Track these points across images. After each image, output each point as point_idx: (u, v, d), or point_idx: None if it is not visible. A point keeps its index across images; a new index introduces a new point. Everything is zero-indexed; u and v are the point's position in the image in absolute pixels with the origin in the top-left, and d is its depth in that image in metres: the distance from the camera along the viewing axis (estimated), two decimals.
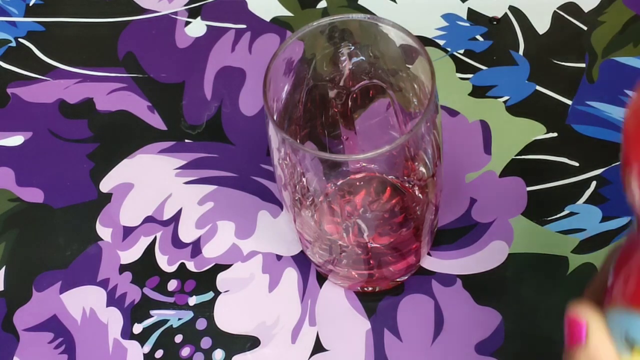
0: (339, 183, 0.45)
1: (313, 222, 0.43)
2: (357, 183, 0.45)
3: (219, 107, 0.53)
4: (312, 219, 0.43)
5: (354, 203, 0.45)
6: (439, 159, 0.40)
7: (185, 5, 0.58)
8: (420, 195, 0.43)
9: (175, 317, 0.45)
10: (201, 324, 0.45)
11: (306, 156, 0.39)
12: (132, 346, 0.45)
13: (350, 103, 0.43)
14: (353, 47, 0.41)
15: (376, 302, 0.45)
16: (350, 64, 0.42)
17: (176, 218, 0.49)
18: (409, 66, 0.40)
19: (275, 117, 0.39)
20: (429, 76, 0.37)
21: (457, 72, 0.53)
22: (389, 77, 0.42)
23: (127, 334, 0.45)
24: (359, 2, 0.57)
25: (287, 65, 0.39)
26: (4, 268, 0.48)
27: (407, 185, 0.44)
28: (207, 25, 0.57)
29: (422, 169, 0.41)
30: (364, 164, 0.44)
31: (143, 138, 0.52)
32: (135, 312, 0.46)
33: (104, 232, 0.49)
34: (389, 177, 0.45)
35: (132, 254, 0.48)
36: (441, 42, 0.54)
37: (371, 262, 0.43)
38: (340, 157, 0.43)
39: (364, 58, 0.42)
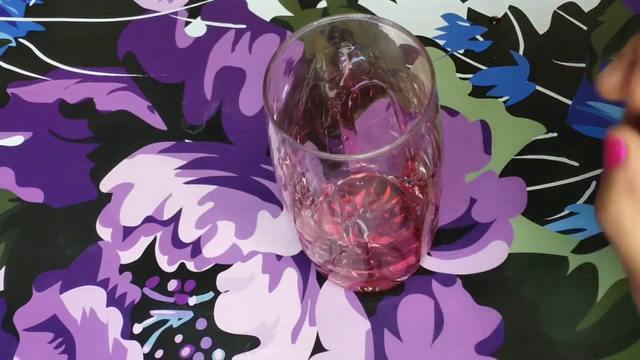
0: (339, 183, 0.45)
1: (313, 222, 0.43)
2: (357, 183, 0.45)
3: (219, 107, 0.53)
4: (312, 219, 0.43)
5: (354, 203, 0.45)
6: (439, 159, 0.40)
7: (185, 5, 0.58)
8: (420, 195, 0.43)
9: (175, 317, 0.45)
10: (201, 324, 0.45)
11: (306, 156, 0.39)
12: (132, 346, 0.45)
13: (350, 103, 0.43)
14: (353, 47, 0.41)
15: (376, 302, 0.45)
16: (350, 64, 0.42)
17: (176, 218, 0.49)
18: (409, 66, 0.40)
19: (275, 117, 0.39)
20: (429, 76, 0.37)
21: (457, 72, 0.53)
22: (389, 77, 0.42)
23: (127, 334, 0.45)
24: (359, 2, 0.57)
25: (287, 65, 0.39)
26: (4, 268, 0.48)
27: (407, 185, 0.44)
28: (207, 25, 0.57)
29: (422, 169, 0.41)
30: (364, 164, 0.44)
31: (143, 138, 0.52)
32: (135, 312, 0.46)
33: (104, 232, 0.49)
34: (389, 177, 0.45)
35: (132, 254, 0.48)
36: (441, 42, 0.54)
37: (371, 262, 0.43)
38: (340, 157, 0.43)
39: (364, 58, 0.42)
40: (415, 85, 0.40)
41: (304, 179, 0.41)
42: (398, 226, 0.43)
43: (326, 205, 0.44)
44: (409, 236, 0.43)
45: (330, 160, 0.42)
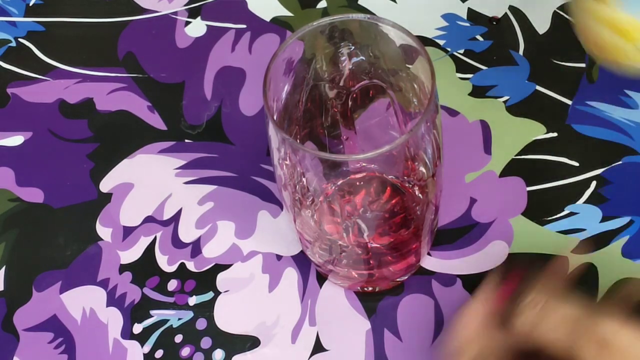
0: (339, 183, 0.45)
1: (313, 222, 0.43)
2: (357, 183, 0.45)
3: (219, 107, 0.53)
4: (312, 219, 0.43)
5: (354, 203, 0.45)
6: (439, 159, 0.40)
7: (185, 5, 0.58)
8: (420, 195, 0.43)
9: (175, 317, 0.45)
10: (201, 324, 0.45)
11: (306, 156, 0.39)
12: (132, 346, 0.45)
13: (350, 103, 0.43)
14: (353, 47, 0.41)
15: (376, 302, 0.45)
16: (350, 64, 0.42)
17: (176, 218, 0.49)
18: (409, 66, 0.40)
19: (275, 117, 0.39)
20: (429, 76, 0.37)
21: (457, 72, 0.53)
22: (389, 77, 0.42)
23: (127, 334, 0.45)
24: (359, 2, 0.57)
25: (287, 65, 0.39)
26: (4, 268, 0.48)
27: (407, 185, 0.44)
28: (207, 25, 0.57)
29: (422, 169, 0.41)
30: (364, 164, 0.44)
31: (143, 138, 0.52)
32: (135, 312, 0.46)
33: (104, 232, 0.49)
34: (389, 177, 0.45)
35: (132, 254, 0.48)
36: (441, 42, 0.54)
37: (371, 262, 0.43)
38: (340, 157, 0.43)
39: (364, 58, 0.42)
40: (415, 85, 0.40)
41: (304, 179, 0.41)
42: (398, 226, 0.43)
43: (326, 205, 0.44)
44: (409, 236, 0.43)
45: (330, 160, 0.42)
